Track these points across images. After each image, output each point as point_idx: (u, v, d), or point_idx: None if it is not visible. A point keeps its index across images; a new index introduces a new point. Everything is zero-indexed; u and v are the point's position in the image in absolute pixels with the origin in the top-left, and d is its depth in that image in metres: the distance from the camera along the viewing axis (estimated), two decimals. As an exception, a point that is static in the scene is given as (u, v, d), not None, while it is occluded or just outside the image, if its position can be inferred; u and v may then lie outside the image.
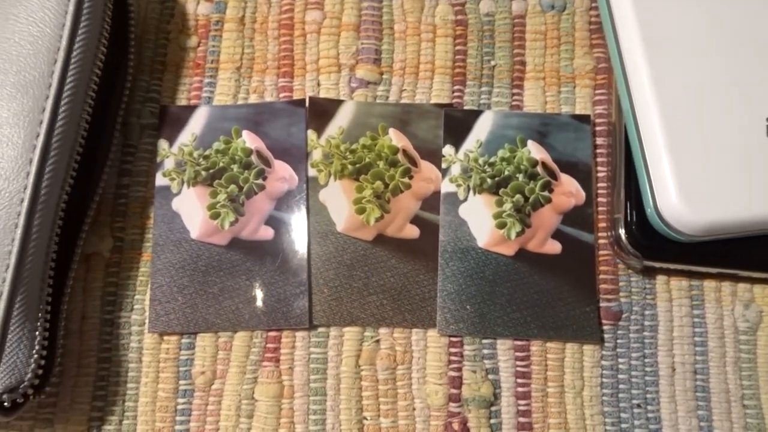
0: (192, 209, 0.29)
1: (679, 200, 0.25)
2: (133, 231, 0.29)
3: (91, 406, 0.28)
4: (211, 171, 0.30)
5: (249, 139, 0.30)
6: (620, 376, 0.28)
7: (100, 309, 0.28)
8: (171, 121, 0.30)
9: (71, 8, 0.26)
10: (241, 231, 0.29)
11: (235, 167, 0.30)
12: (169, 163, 0.30)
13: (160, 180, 0.30)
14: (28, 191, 0.25)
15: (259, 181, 0.30)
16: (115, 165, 0.30)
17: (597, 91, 0.31)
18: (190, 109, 0.30)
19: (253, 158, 0.30)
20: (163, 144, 0.30)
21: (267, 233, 0.29)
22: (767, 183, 0.25)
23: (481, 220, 0.29)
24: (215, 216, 0.29)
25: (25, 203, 0.25)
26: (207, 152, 0.30)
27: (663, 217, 0.26)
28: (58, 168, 0.26)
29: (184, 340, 0.28)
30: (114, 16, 0.28)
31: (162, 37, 0.32)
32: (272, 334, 0.28)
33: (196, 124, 0.30)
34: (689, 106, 0.26)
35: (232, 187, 0.29)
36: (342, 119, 0.31)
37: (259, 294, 0.28)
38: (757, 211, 0.25)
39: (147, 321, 0.28)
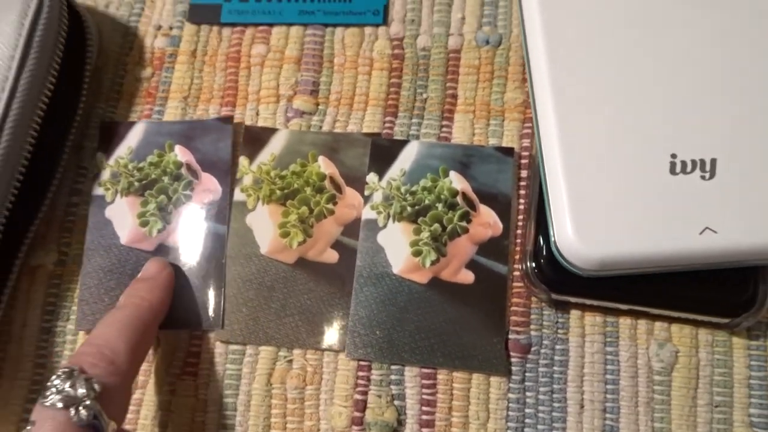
0: (123, 217, 0.31)
1: (574, 234, 0.25)
2: (77, 246, 0.32)
3: (23, 408, 0.30)
4: (144, 182, 0.32)
5: (181, 153, 0.32)
6: (527, 410, 0.28)
7: (40, 318, 0.31)
8: (111, 136, 0.33)
9: (21, 42, 0.29)
10: (167, 238, 0.31)
11: (166, 179, 0.32)
12: (105, 175, 0.32)
13: (96, 190, 0.32)
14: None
15: (187, 192, 0.31)
16: (66, 185, 0.32)
17: (526, 125, 0.31)
18: (129, 125, 0.33)
19: (183, 171, 0.32)
20: (101, 157, 0.32)
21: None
22: (666, 220, 0.25)
23: (398, 247, 0.30)
24: (144, 224, 0.31)
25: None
26: (141, 164, 0.32)
27: (560, 250, 0.26)
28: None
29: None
30: (70, 52, 0.31)
31: (120, 68, 0.34)
32: (193, 349, 0.30)
33: (133, 138, 0.33)
34: (591, 140, 0.26)
35: (162, 197, 0.31)
36: (275, 146, 0.32)
37: (177, 298, 0.30)
38: (653, 248, 0.25)
39: (75, 320, 0.30)
